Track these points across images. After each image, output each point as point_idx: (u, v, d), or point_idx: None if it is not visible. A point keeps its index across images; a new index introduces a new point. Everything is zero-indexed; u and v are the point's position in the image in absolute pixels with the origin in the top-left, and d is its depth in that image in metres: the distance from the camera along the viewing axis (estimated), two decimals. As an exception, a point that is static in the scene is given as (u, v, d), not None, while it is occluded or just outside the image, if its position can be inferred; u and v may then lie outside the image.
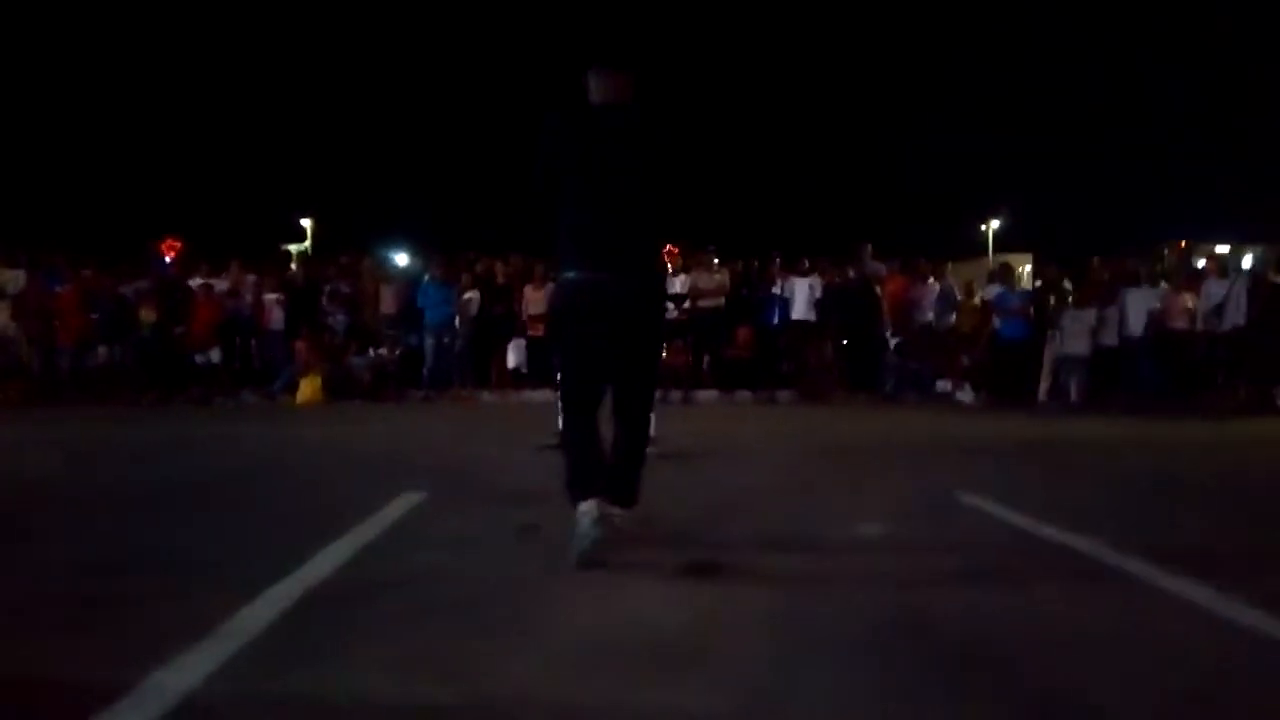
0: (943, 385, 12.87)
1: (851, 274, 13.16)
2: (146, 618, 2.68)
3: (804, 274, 13.20)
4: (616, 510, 3.33)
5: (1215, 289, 11.69)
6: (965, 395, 12.55)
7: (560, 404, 3.55)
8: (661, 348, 3.71)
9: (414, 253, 13.80)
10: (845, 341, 12.86)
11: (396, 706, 1.99)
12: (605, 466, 3.37)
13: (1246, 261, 16.39)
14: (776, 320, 13.10)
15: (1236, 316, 11.37)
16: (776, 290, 13.18)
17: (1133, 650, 2.39)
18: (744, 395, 12.78)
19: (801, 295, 12.96)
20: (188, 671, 2.18)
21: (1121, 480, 5.58)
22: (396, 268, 13.49)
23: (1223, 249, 26.02)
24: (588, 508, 3.27)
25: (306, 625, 2.57)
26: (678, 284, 13.21)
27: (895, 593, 2.90)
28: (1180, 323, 11.62)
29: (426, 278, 12.02)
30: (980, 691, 2.09)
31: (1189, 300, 11.72)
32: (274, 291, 12.37)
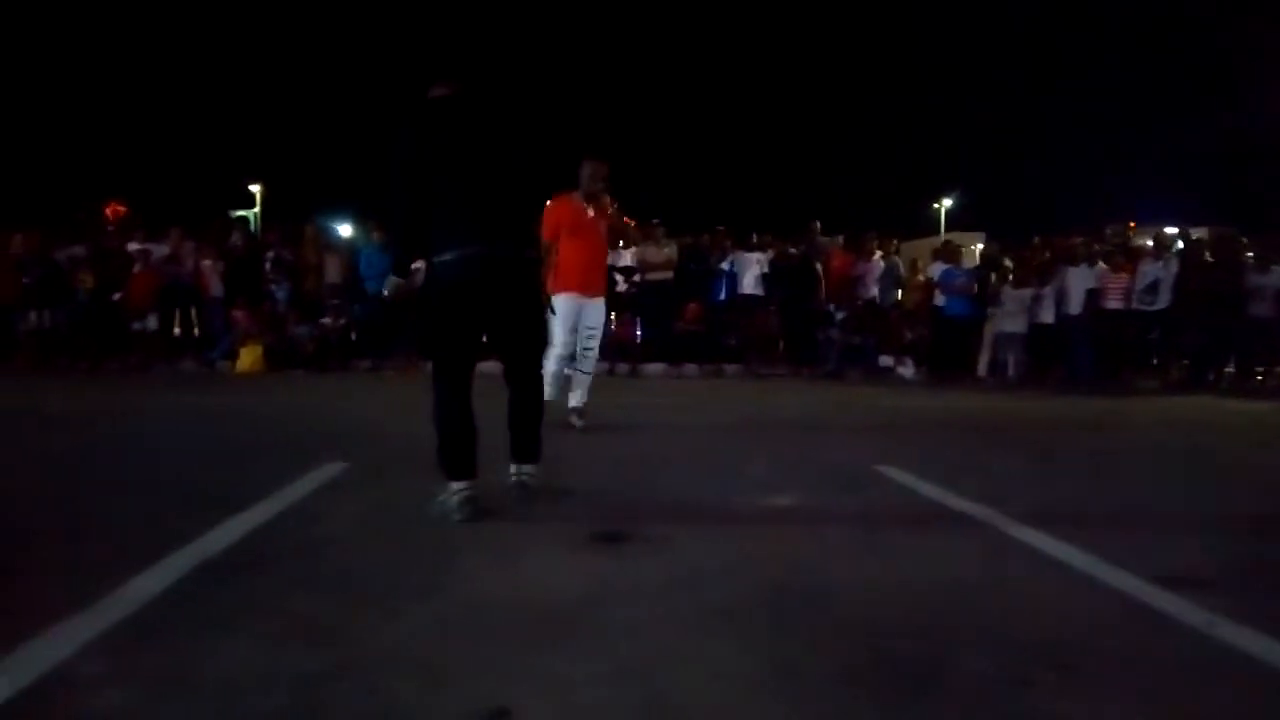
0: (885, 360, 13.03)
1: (793, 250, 13.25)
2: (35, 588, 2.66)
3: (752, 249, 13.26)
4: (527, 468, 3.66)
5: (1149, 269, 11.95)
6: (907, 370, 12.74)
7: (434, 383, 3.61)
8: (542, 315, 3.80)
9: (360, 222, 13.58)
10: (788, 317, 12.95)
11: (262, 675, 1.99)
12: (476, 448, 3.54)
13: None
14: (724, 295, 13.15)
15: (1168, 296, 11.64)
16: (725, 265, 13.22)
17: (1003, 616, 2.47)
18: (691, 369, 12.84)
19: (749, 270, 13.02)
20: (64, 641, 2.17)
21: (1038, 455, 5.70)
22: (339, 237, 13.28)
23: (1171, 230, 26.53)
24: (459, 486, 3.47)
25: (193, 596, 2.56)
26: (627, 257, 13.20)
27: (784, 563, 2.96)
28: (1115, 302, 11.86)
29: (367, 244, 11.89)
30: (844, 660, 2.14)
31: (1125, 280, 11.95)
32: (214, 259, 12.14)
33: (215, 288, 12.09)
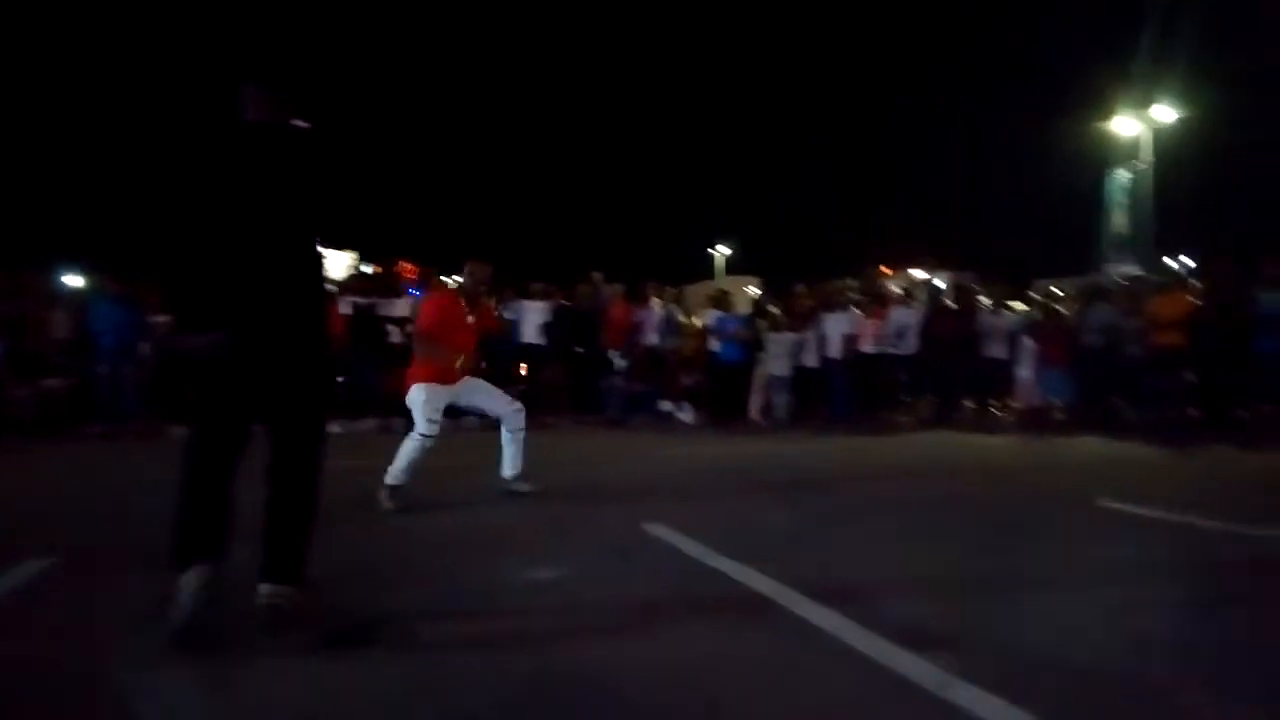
0: (665, 406, 13.28)
1: (574, 299, 13.31)
2: None
3: (533, 298, 13.20)
4: (281, 590, 3.01)
5: (898, 314, 12.94)
6: (685, 415, 13.02)
7: (185, 454, 3.07)
8: (320, 400, 3.28)
9: (93, 272, 12.30)
10: (570, 365, 12.96)
11: None
12: (222, 532, 3.01)
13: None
14: (506, 344, 12.96)
15: (915, 340, 12.64)
16: (506, 314, 13.06)
17: (748, 691, 2.44)
18: (471, 421, 12.47)
19: (531, 319, 12.94)
20: None
21: (798, 506, 5.87)
22: (67, 288, 11.96)
23: (920, 274, 29.22)
24: (188, 579, 2.91)
25: None
26: (401, 306, 12.74)
27: (535, 653, 2.81)
28: (869, 346, 12.72)
29: (99, 297, 10.76)
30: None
31: (877, 325, 12.86)
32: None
33: (-86, 347, 10.49)
